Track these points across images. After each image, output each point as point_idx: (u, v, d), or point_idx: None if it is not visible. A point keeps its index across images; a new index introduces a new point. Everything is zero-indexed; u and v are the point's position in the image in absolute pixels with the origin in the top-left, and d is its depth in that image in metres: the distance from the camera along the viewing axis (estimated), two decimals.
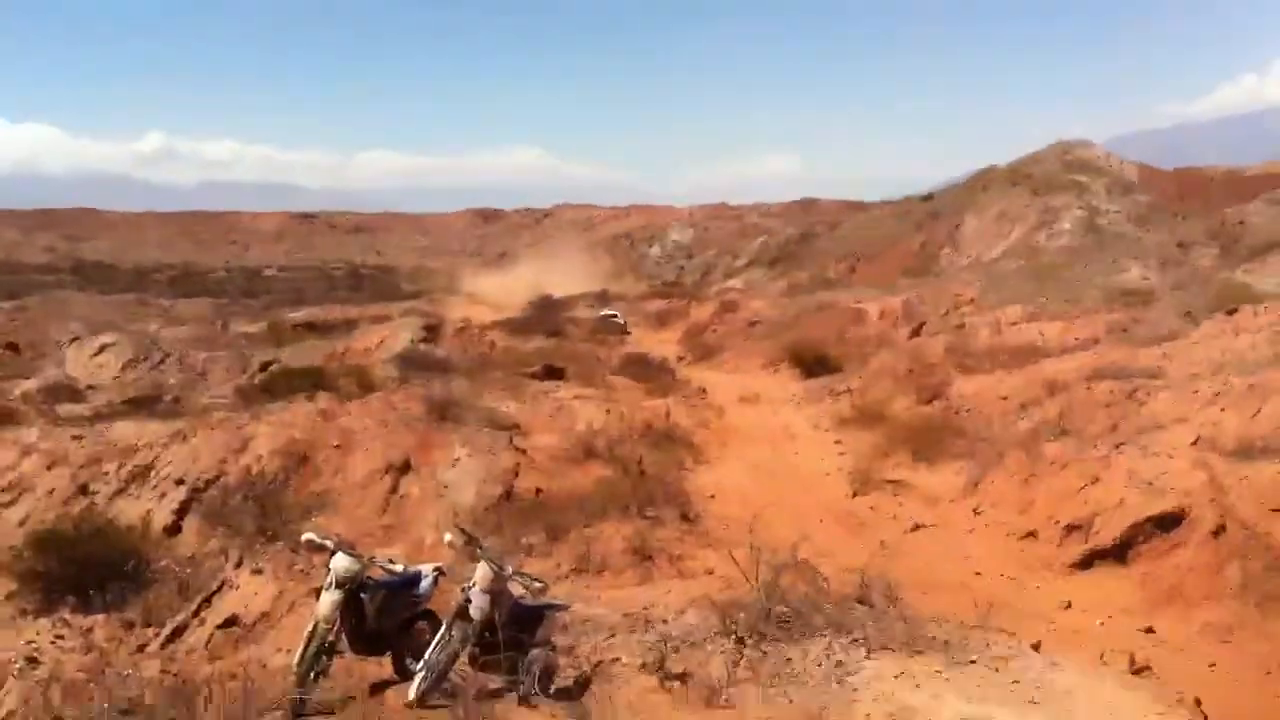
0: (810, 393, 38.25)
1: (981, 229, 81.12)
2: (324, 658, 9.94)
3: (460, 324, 56.97)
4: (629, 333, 68.29)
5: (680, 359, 54.67)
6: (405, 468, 23.84)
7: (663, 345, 59.88)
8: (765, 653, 11.74)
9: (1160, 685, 11.53)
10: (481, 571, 9.92)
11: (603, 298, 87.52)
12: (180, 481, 23.21)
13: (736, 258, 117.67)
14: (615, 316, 73.48)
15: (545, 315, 68.53)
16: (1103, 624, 16.62)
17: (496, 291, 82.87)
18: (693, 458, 29.30)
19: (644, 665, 11.28)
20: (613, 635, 13.65)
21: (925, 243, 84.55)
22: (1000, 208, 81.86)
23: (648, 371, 43.24)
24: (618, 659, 11.70)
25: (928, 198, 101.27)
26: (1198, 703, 10.76)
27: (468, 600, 9.85)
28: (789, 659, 11.59)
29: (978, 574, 19.28)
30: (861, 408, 33.40)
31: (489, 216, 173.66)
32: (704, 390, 42.28)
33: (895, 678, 10.80)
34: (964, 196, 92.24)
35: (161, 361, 55.18)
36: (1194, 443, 22.89)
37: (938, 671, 10.84)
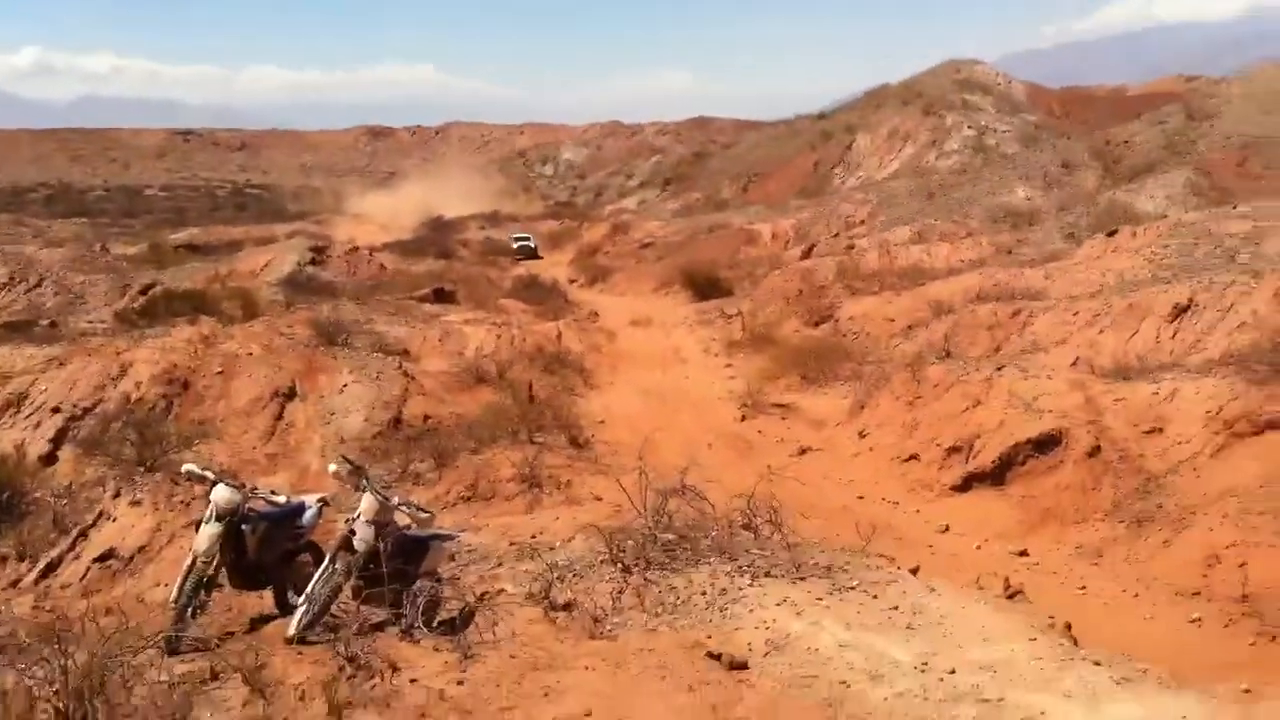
0: (701, 315, 38.36)
1: (873, 148, 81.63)
2: (203, 592, 9.75)
3: (348, 246, 55.90)
4: (541, 257, 68.68)
5: (572, 281, 54.57)
6: (290, 394, 23.45)
7: (555, 267, 59.68)
8: (651, 581, 11.77)
9: (1033, 609, 11.79)
10: (366, 502, 9.73)
11: (494, 219, 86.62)
12: (56, 409, 22.51)
13: (630, 177, 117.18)
14: (527, 241, 72.58)
15: (436, 237, 67.76)
16: (979, 547, 16.95)
17: (385, 212, 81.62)
18: (583, 382, 29.28)
19: (529, 595, 11.23)
20: (499, 564, 13.62)
21: (818, 162, 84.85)
22: (892, 126, 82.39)
23: (539, 294, 43.08)
24: (503, 589, 11.67)
25: (821, 116, 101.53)
26: (1068, 627, 11.02)
27: (352, 532, 9.68)
28: (674, 587, 11.64)
29: (861, 498, 19.57)
30: (752, 330, 33.57)
31: (378, 134, 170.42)
32: (595, 313, 42.31)
33: (777, 605, 10.88)
34: (857, 115, 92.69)
35: (38, 284, 53.31)
36: (1073, 364, 23.40)
37: (819, 599, 10.95)
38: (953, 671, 9.17)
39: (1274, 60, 62.69)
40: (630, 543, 12.58)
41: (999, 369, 21.50)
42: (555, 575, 11.85)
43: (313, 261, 51.47)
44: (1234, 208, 36.98)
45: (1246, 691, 8.41)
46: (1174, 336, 24.25)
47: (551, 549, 13.87)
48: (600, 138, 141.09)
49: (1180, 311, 24.68)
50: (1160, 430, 18.40)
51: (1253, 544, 14.52)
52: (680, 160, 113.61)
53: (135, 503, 15.87)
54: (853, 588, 11.19)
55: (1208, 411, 18.00)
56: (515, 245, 71.47)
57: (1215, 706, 8.12)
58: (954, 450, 19.95)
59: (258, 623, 10.20)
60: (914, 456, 20.56)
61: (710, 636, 10.19)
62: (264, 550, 10.00)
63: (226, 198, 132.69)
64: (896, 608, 10.66)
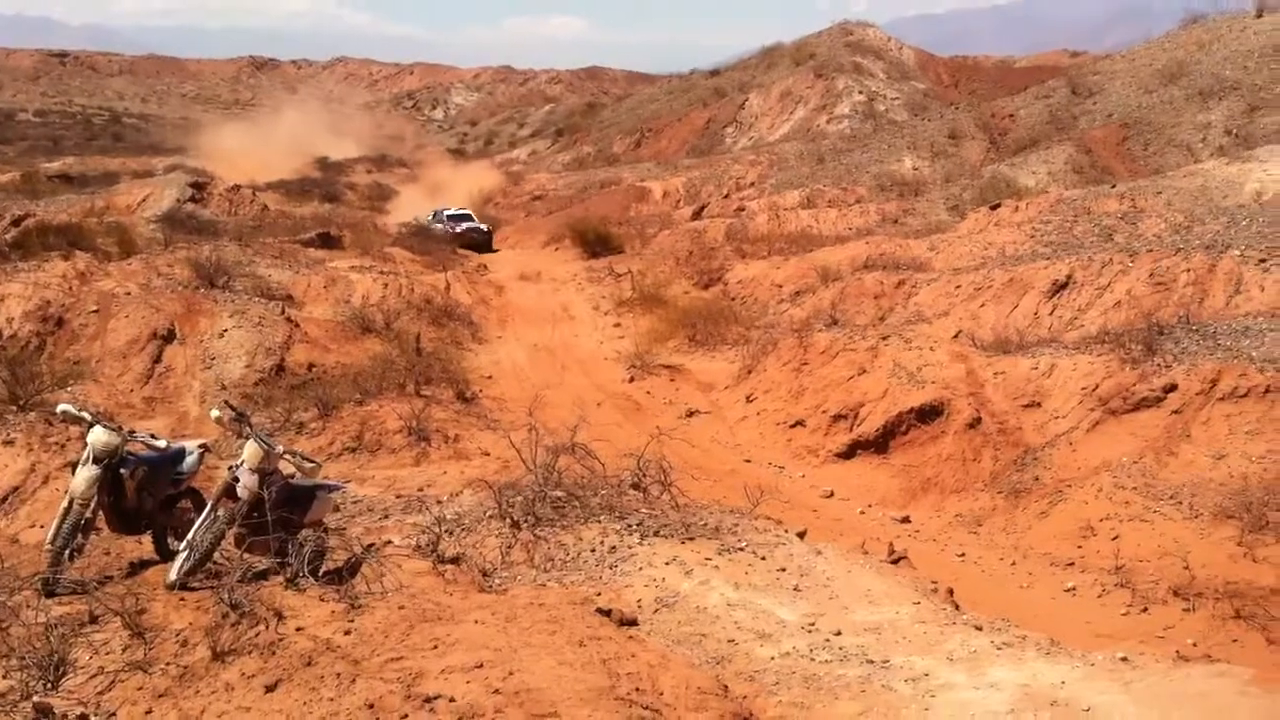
0: (591, 272, 38.28)
1: (765, 108, 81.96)
2: (80, 535, 9.47)
3: (230, 184, 54.59)
4: (496, 249, 49.78)
5: None
6: (170, 337, 22.93)
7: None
8: (540, 537, 11.83)
9: (916, 574, 12.08)
10: (251, 449, 9.54)
11: (382, 163, 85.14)
12: None
13: (522, 126, 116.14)
14: (473, 222, 51.32)
15: (322, 179, 66.37)
16: (863, 513, 17.32)
17: (270, 150, 79.46)
18: (471, 336, 29.14)
19: (417, 548, 11.19)
20: (386, 517, 13.58)
21: (711, 120, 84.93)
22: (784, 87, 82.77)
23: (427, 244, 42.52)
24: (390, 541, 11.61)
25: (715, 73, 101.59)
26: (950, 592, 11.33)
27: (235, 479, 9.49)
28: (563, 543, 11.72)
29: (748, 461, 19.82)
30: (641, 290, 33.60)
31: (263, 66, 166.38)
32: (484, 266, 41.96)
33: (667, 563, 11.02)
34: (750, 74, 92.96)
35: None
36: (955, 336, 23.86)
37: (707, 559, 11.11)
38: (839, 633, 9.37)
39: (1156, 39, 64.16)
40: (519, 498, 12.62)
41: (884, 338, 21.86)
42: (444, 529, 11.85)
43: (193, 198, 50.27)
44: (1113, 186, 37.92)
45: (1123, 659, 8.71)
46: (1052, 312, 24.85)
47: (439, 503, 13.86)
48: (492, 83, 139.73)
49: (1059, 288, 25.29)
50: (1038, 404, 18.95)
51: (1125, 517, 15.09)
52: (573, 110, 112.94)
53: (8, 442, 15.46)
54: (741, 549, 11.36)
55: (1084, 388, 18.57)
56: (454, 228, 49.38)
57: (1092, 672, 8.42)
58: (839, 417, 20.29)
59: (137, 568, 10.02)
60: (800, 422, 20.84)
61: (600, 593, 10.27)
62: (143, 495, 9.78)
63: (103, 126, 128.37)
64: (784, 569, 10.85)
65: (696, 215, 51.24)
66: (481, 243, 48.73)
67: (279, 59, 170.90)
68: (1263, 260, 23.55)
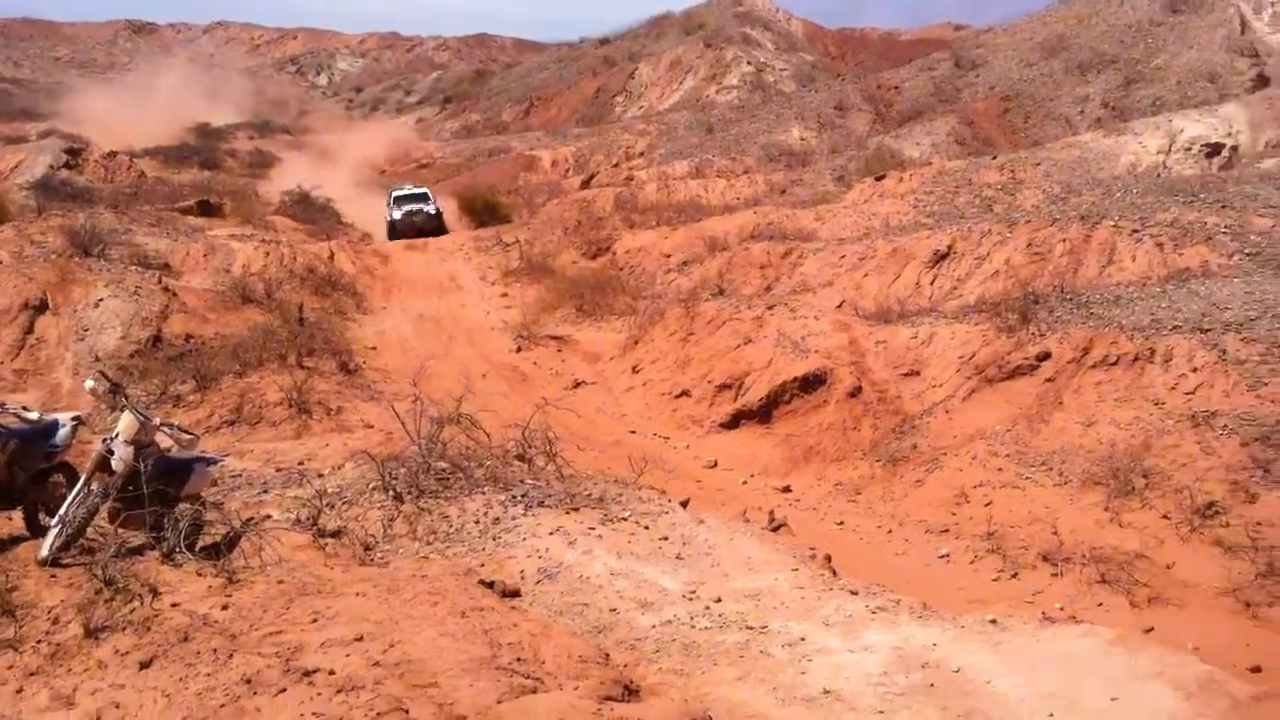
0: (479, 242, 38.00)
1: (655, 78, 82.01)
2: None
3: (106, 151, 53.05)
4: (446, 231, 42.36)
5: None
6: (42, 307, 22.25)
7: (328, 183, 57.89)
8: (424, 509, 11.83)
9: (795, 542, 12.31)
10: (126, 421, 9.35)
11: (264, 129, 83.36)
12: None
13: (409, 93, 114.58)
14: (425, 204, 42.56)
15: (201, 145, 64.81)
16: (745, 483, 17.53)
17: (147, 116, 77.12)
18: (356, 306, 28.82)
19: (297, 521, 11.13)
20: (266, 490, 13.41)
21: (600, 89, 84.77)
22: (674, 57, 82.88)
23: (310, 212, 41.81)
24: (269, 515, 11.50)
25: (604, 42, 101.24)
26: (828, 559, 11.57)
27: (109, 452, 9.28)
28: (447, 515, 11.73)
29: (633, 432, 19.93)
30: (529, 260, 33.50)
31: (140, 29, 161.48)
32: (369, 235, 41.42)
33: (550, 534, 11.10)
34: (640, 43, 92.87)
35: None
36: (839, 306, 24.21)
37: (591, 528, 11.21)
38: (719, 600, 9.53)
39: (1038, 13, 65.50)
40: (403, 470, 12.60)
41: (769, 308, 22.08)
42: (325, 502, 11.79)
43: (67, 165, 48.76)
44: (994, 158, 38.73)
45: (993, 622, 8.98)
46: (933, 282, 25.31)
47: (321, 476, 13.74)
48: (378, 49, 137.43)
49: (940, 258, 25.76)
50: (918, 373, 19.34)
51: (998, 484, 15.51)
52: (461, 78, 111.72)
53: None
54: (624, 518, 11.48)
55: (961, 356, 18.99)
56: (397, 214, 41.73)
57: (962, 634, 8.68)
58: (724, 387, 20.46)
59: (7, 544, 9.76)
60: (685, 392, 20.98)
61: (483, 564, 10.30)
62: (14, 469, 9.54)
63: None
64: (666, 538, 10.99)
65: (585, 184, 51.16)
66: (428, 229, 40.60)
67: (156, 22, 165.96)
68: (1135, 231, 24.22)
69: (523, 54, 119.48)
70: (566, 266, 32.60)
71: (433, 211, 41.84)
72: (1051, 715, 7.28)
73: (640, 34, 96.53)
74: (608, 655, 8.13)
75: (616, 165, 54.64)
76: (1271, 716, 7.27)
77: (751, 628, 8.95)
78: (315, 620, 7.88)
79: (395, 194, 43.99)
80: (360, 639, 7.48)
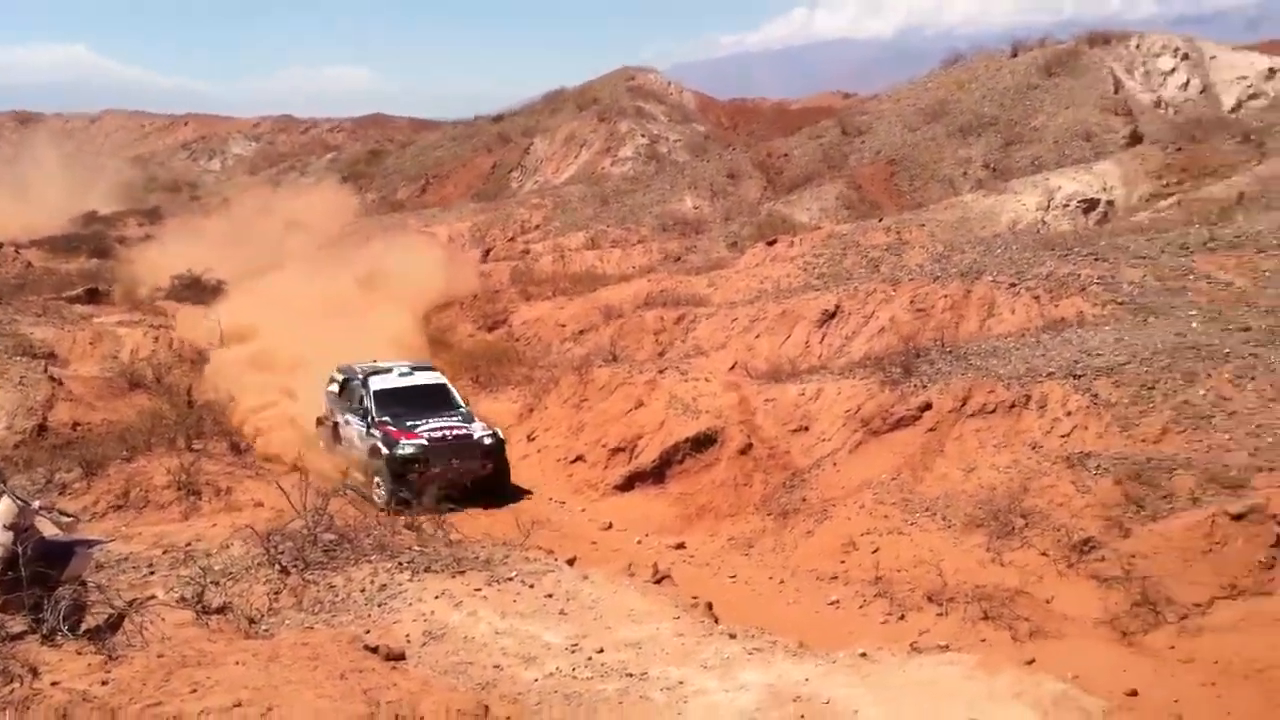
0: None
1: (550, 152, 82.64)
2: None
3: None
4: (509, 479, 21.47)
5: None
6: None
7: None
8: (309, 580, 11.84)
9: (678, 592, 12.53)
10: (4, 506, 9.31)
11: (154, 215, 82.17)
12: None
13: (303, 174, 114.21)
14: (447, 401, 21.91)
15: (90, 234, 63.90)
16: (640, 542, 17.74)
17: (34, 206, 75.63)
18: None
19: (182, 599, 11.06)
20: (152, 571, 13.28)
21: (496, 165, 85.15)
22: (568, 131, 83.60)
23: (201, 295, 41.32)
24: (154, 595, 11.38)
25: (499, 119, 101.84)
26: (709, 606, 11.79)
27: None
28: (333, 585, 11.76)
29: (529, 496, 20.03)
30: (428, 334, 33.52)
31: (27, 120, 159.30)
32: None
33: (436, 598, 11.19)
34: (534, 119, 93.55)
35: None
36: (731, 367, 24.62)
37: (477, 589, 11.32)
38: (601, 650, 9.70)
39: (919, 79, 67.24)
40: (289, 544, 12.59)
41: (661, 372, 22.46)
42: (210, 579, 11.73)
43: None
44: (880, 220, 39.67)
45: (863, 655, 9.25)
46: (822, 341, 25.87)
47: (208, 555, 13.64)
48: (272, 132, 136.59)
49: (828, 317, 26.34)
50: (806, 428, 19.77)
51: (884, 531, 15.89)
52: (356, 158, 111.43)
53: None
54: (510, 579, 11.60)
55: (847, 410, 19.46)
56: (408, 446, 19.93)
57: (833, 669, 8.93)
58: (618, 450, 20.74)
59: None
60: (580, 457, 21.24)
61: (369, 630, 10.34)
62: None
63: None
64: (551, 595, 11.14)
65: (483, 259, 51.32)
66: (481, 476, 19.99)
67: (44, 113, 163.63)
68: (1013, 284, 24.97)
69: (418, 132, 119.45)
70: (463, 339, 32.70)
71: (483, 436, 20.59)
72: None
73: (535, 109, 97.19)
74: (487, 708, 8.23)
75: (512, 239, 54.86)
76: None
77: (632, 675, 9.12)
78: (194, 690, 7.89)
79: (371, 379, 21.77)
80: (239, 705, 7.52)
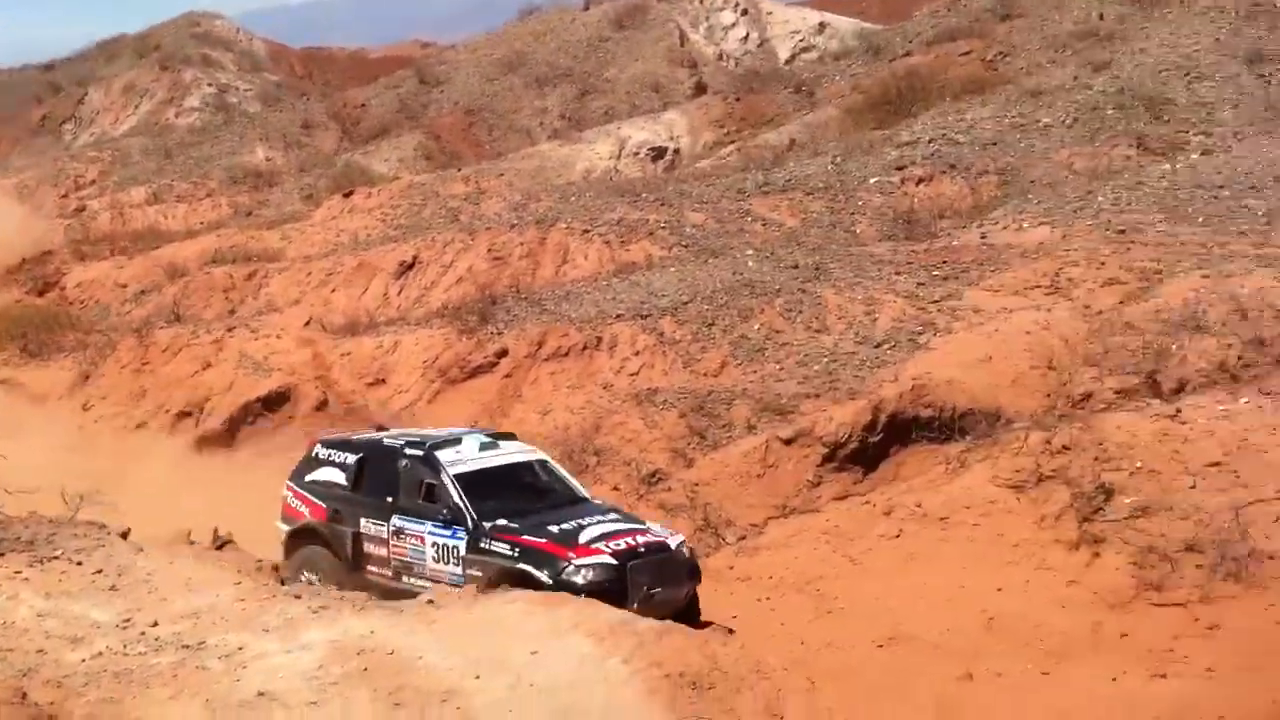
0: None
1: (108, 103, 77.43)
2: None
3: None
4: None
5: None
6: None
7: None
8: None
9: (241, 556, 12.13)
10: None
11: None
12: None
13: None
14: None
15: None
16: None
17: None
18: None
19: None
20: None
21: (46, 117, 79.04)
22: (127, 81, 78.60)
23: None
24: None
25: (49, 67, 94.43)
26: (275, 568, 11.48)
27: None
28: None
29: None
30: None
31: None
32: None
33: None
34: (89, 68, 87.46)
35: None
36: (306, 323, 23.99)
37: (17, 572, 10.51)
38: (155, 624, 9.25)
39: (497, 31, 67.56)
40: None
41: (229, 330, 21.64)
42: None
43: None
44: (459, 170, 39.70)
45: (430, 603, 9.32)
46: (400, 292, 25.61)
47: None
48: None
49: (406, 268, 26.11)
50: (384, 381, 19.60)
51: None
52: None
53: None
54: (55, 557, 10.84)
55: (425, 361, 19.45)
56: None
57: (399, 619, 8.91)
58: (184, 414, 19.89)
59: None
60: (143, 424, 20.16)
61: None
62: None
63: None
64: (101, 571, 10.50)
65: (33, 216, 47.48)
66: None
67: None
68: (585, 230, 25.60)
69: None
70: (10, 306, 30.15)
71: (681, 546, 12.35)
72: (479, 676, 7.65)
73: (90, 58, 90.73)
74: (24, 694, 7.65)
75: (65, 196, 50.99)
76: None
77: (188, 646, 8.73)
78: None
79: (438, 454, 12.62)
80: None
